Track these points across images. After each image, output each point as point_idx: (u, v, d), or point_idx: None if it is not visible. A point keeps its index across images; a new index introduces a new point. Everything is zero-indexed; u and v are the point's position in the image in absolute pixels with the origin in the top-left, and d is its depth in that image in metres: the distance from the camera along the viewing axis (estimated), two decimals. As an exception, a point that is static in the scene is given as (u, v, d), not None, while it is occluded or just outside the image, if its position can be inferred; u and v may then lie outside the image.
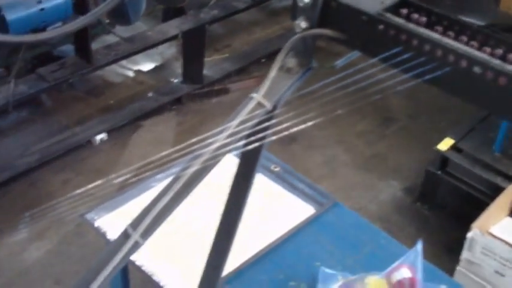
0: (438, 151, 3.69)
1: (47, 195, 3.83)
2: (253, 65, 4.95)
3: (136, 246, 1.27)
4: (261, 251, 2.14)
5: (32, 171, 3.93)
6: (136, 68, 4.83)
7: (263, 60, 5.00)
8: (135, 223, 1.27)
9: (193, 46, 4.38)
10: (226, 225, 1.55)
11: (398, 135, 4.49)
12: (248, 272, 2.06)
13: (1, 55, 3.91)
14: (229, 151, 1.30)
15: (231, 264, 2.04)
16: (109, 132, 4.23)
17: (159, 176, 2.33)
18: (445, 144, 3.72)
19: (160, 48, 4.76)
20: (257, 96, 1.33)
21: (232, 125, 1.31)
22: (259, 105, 1.32)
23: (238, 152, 1.39)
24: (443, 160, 3.71)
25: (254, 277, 2.07)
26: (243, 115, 1.32)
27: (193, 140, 1.28)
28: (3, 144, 4.08)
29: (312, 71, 1.40)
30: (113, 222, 2.17)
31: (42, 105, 4.42)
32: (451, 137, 3.73)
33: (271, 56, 5.05)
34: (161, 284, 2.03)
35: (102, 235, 2.15)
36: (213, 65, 4.73)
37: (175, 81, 4.64)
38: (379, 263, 2.02)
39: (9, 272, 3.42)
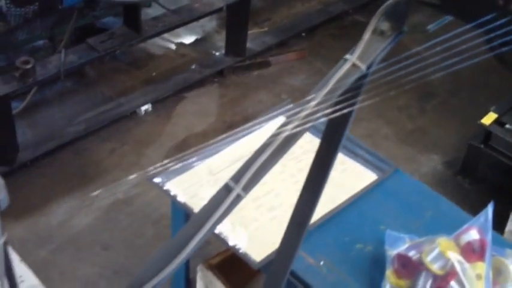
0: (482, 125, 3.72)
1: (93, 164, 3.89)
2: (293, 39, 4.97)
3: (238, 199, 1.31)
4: (326, 214, 2.18)
5: (79, 140, 3.99)
6: (178, 40, 4.86)
7: (303, 34, 5.01)
8: (237, 177, 1.31)
9: (238, 19, 4.41)
10: (310, 190, 1.59)
11: (439, 110, 4.51)
12: (315, 234, 2.10)
13: (46, 26, 3.96)
14: (325, 111, 1.33)
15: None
16: (153, 103, 4.27)
17: (225, 141, 2.37)
18: (489, 118, 3.75)
19: (201, 21, 4.78)
20: (352, 58, 1.36)
21: (329, 84, 1.34)
22: (354, 66, 1.35)
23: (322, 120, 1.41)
24: (486, 134, 3.74)
25: (321, 239, 2.12)
26: (338, 76, 1.35)
27: (290, 106, 1.31)
28: (50, 113, 4.14)
29: (403, 35, 1.42)
30: (180, 185, 2.22)
31: (86, 76, 4.47)
32: (494, 112, 3.75)
33: (310, 31, 5.08)
34: (230, 243, 2.08)
35: (172, 198, 2.19)
36: (254, 38, 4.75)
37: (218, 53, 4.67)
38: (441, 228, 2.05)
39: (59, 238, 3.48)
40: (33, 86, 3.62)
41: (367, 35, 1.39)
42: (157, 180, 2.20)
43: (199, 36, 4.97)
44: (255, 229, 2.09)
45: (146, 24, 3.96)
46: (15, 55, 3.83)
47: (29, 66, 3.40)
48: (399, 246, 2.02)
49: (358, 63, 1.37)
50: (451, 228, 2.02)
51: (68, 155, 3.89)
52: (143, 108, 4.22)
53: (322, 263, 2.05)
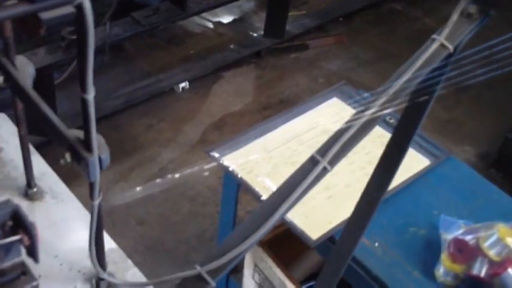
0: (518, 118, 3.72)
1: (130, 139, 3.92)
2: (331, 23, 4.96)
3: (324, 173, 1.32)
4: (381, 197, 2.18)
5: (116, 114, 4.00)
6: (215, 19, 4.87)
7: (340, 19, 5.01)
8: (323, 151, 1.32)
9: (278, 0, 4.41)
10: (384, 170, 1.60)
11: (475, 101, 4.50)
12: (370, 216, 2.10)
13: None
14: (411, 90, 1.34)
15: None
16: (190, 81, 4.29)
17: (280, 119, 2.39)
18: (526, 111, 3.75)
19: (240, 1, 4.78)
20: (440, 38, 1.36)
21: (417, 63, 1.35)
22: (442, 47, 1.35)
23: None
24: (523, 128, 3.74)
25: (376, 221, 2.10)
26: (426, 55, 1.35)
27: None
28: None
29: (489, 18, 1.42)
30: (236, 161, 2.23)
31: (124, 51, 4.48)
32: (533, 105, 3.75)
33: (348, 16, 5.07)
34: (287, 220, 2.09)
35: (230, 173, 2.21)
36: (292, 21, 4.74)
37: (255, 34, 4.67)
38: (492, 215, 2.06)
39: (94, 211, 3.50)
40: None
41: (455, 16, 1.39)
42: (214, 154, 2.22)
43: (236, 17, 4.97)
44: (312, 207, 2.10)
45: (191, 0, 3.96)
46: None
47: (74, 37, 3.41)
48: (454, 231, 2.03)
49: (446, 43, 1.37)
50: (502, 216, 2.03)
51: (105, 128, 3.91)
52: (181, 85, 4.23)
53: (376, 244, 2.06)
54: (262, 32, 4.63)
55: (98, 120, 3.45)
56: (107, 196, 3.62)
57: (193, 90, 4.29)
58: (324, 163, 1.33)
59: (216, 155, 2.20)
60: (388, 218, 2.15)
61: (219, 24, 4.87)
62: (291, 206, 1.35)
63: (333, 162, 1.34)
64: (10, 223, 0.78)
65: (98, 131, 3.61)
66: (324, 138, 2.35)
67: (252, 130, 2.34)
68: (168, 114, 4.11)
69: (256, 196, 2.14)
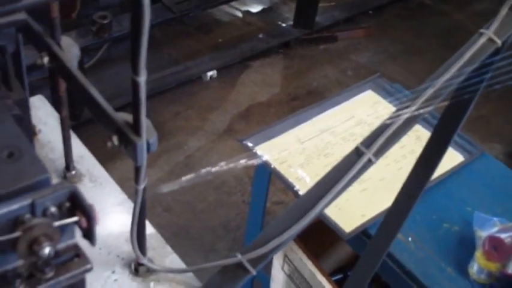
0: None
1: (157, 125, 3.87)
2: (360, 16, 4.93)
3: (369, 164, 1.30)
4: (414, 192, 2.16)
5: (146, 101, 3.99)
6: (244, 8, 4.85)
7: (370, 12, 4.97)
8: (367, 142, 1.30)
9: (309, -9, 4.40)
10: (425, 165, 1.58)
11: (504, 99, 4.45)
12: (404, 211, 2.08)
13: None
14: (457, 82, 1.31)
15: (387, 203, 2.08)
16: (218, 69, 4.27)
17: (314, 110, 2.38)
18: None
19: (269, -9, 4.78)
20: (488, 32, 1.33)
21: (464, 57, 1.32)
22: (490, 41, 1.32)
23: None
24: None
25: (409, 216, 2.10)
26: (474, 49, 1.33)
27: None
28: (116, 71, 4.15)
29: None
30: (270, 151, 2.22)
31: (152, 38, 4.44)
32: None
33: (378, 9, 5.03)
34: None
35: (264, 162, 2.19)
36: (322, 12, 4.71)
37: (284, 25, 4.65)
38: (527, 214, 2.03)
39: (121, 195, 3.51)
40: (107, 42, 3.63)
41: (504, 11, 1.36)
42: (248, 143, 2.20)
43: (265, 6, 4.95)
44: (345, 200, 2.09)
45: (221, -12, 3.95)
46: (91, 9, 3.83)
47: (105, 21, 3.41)
48: (489, 228, 2.01)
49: (495, 37, 1.34)
50: (538, 215, 2.01)
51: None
52: (209, 73, 4.22)
53: (410, 239, 2.04)
54: (291, 23, 4.61)
55: (125, 106, 3.45)
56: (132, 182, 3.62)
57: (220, 79, 4.27)
58: (368, 155, 1.32)
59: (250, 144, 2.19)
60: (422, 213, 2.13)
61: (247, 13, 4.85)
62: (334, 197, 1.33)
63: (378, 154, 1.33)
64: (67, 204, 0.77)
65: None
66: (359, 130, 2.34)
67: (285, 120, 2.32)
68: (195, 102, 4.10)
69: (289, 187, 2.12)
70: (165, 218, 3.46)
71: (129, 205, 1.48)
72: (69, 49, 1.31)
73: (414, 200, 1.63)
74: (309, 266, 2.16)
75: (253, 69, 4.38)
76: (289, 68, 4.45)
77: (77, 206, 0.78)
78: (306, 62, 4.50)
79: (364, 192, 2.13)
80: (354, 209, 2.07)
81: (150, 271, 1.35)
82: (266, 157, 2.16)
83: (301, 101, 4.09)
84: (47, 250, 0.74)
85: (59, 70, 1.22)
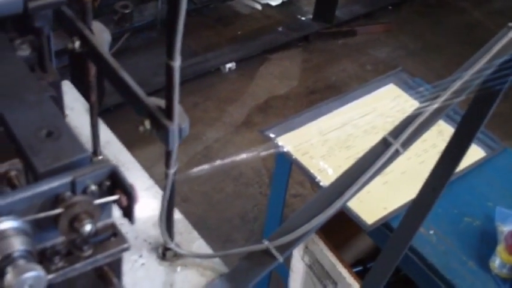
0: None
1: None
2: (380, 11, 4.93)
3: (396, 155, 1.30)
4: (436, 186, 2.16)
5: (163, 91, 4.00)
6: (264, 1, 4.85)
7: (390, 7, 4.96)
8: (395, 133, 1.30)
9: (329, -15, 4.39)
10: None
11: (523, 97, 4.43)
12: (425, 204, 2.08)
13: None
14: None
15: (409, 196, 2.08)
16: (237, 62, 4.28)
17: (336, 102, 2.38)
18: None
19: (289, -16, 4.78)
20: (517, 25, 1.33)
21: (492, 50, 1.32)
22: (518, 34, 1.32)
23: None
24: None
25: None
26: (502, 43, 1.33)
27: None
28: (136, 61, 4.16)
29: None
30: (291, 142, 2.22)
31: (172, 29, 4.47)
32: None
33: (397, 5, 5.02)
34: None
35: (285, 154, 2.20)
36: (342, 7, 4.71)
37: (304, 18, 4.65)
38: (550, 211, 2.02)
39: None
40: (128, 32, 3.64)
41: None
42: (270, 134, 2.21)
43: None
44: (367, 192, 2.08)
45: (242, -19, 3.96)
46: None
47: (127, 11, 3.42)
48: (511, 223, 2.00)
49: (522, 30, 1.34)
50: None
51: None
52: (228, 65, 4.23)
53: (431, 232, 2.04)
54: (310, 16, 4.60)
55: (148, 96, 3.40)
56: (151, 170, 3.63)
57: (239, 71, 4.28)
58: (396, 145, 1.32)
59: (271, 135, 2.19)
60: (444, 207, 2.13)
61: (267, 6, 4.85)
62: (361, 187, 1.33)
63: (405, 145, 1.33)
64: (107, 183, 0.78)
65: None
66: (380, 123, 2.34)
67: (306, 112, 2.33)
68: (213, 93, 4.11)
69: (310, 178, 2.13)
70: (183, 208, 3.45)
71: (156, 190, 1.49)
72: (101, 34, 1.32)
73: (438, 194, 1.63)
74: (329, 257, 2.16)
75: (272, 62, 4.38)
76: (308, 61, 4.45)
77: (117, 184, 0.79)
78: (324, 56, 4.50)
79: (386, 185, 2.13)
80: (375, 201, 2.07)
81: (177, 256, 1.36)
82: (287, 148, 2.16)
83: (319, 95, 4.09)
84: (87, 227, 0.75)
85: (90, 54, 1.23)
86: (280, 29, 4.48)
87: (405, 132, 1.32)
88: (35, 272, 0.69)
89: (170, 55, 0.99)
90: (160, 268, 1.35)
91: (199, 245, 1.40)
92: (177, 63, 1.00)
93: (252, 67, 4.31)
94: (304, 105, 3.96)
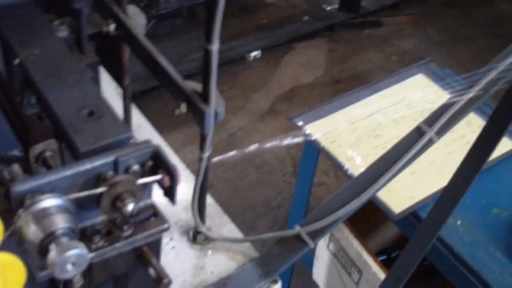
0: None
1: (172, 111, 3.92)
2: (406, 2, 4.89)
3: (430, 144, 1.30)
4: (465, 176, 2.15)
5: (188, 78, 3.96)
6: (290, -10, 4.84)
7: (417, -2, 4.94)
8: (430, 121, 1.29)
9: (356, -25, 4.37)
10: (474, 160, 1.56)
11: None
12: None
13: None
14: None
15: (436, 186, 2.07)
16: (262, 50, 4.27)
17: (364, 91, 2.37)
18: None
19: (314, -27, 4.76)
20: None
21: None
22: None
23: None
24: None
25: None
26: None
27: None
28: (161, 49, 4.13)
29: None
30: (320, 130, 2.21)
31: (196, 16, 4.48)
32: None
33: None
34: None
35: (313, 142, 2.19)
36: (368, -4, 4.69)
37: (329, 8, 4.63)
38: None
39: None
40: (154, 19, 3.65)
41: None
42: (298, 122, 2.20)
43: (310, -11, 4.94)
44: (395, 181, 2.06)
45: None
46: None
47: (154, -2, 3.43)
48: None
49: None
50: None
51: (176, 91, 3.91)
52: (252, 54, 4.22)
53: (459, 222, 2.03)
54: (336, 6, 4.58)
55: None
56: (184, 153, 3.65)
57: (264, 59, 4.27)
58: (430, 134, 1.31)
59: (300, 123, 2.19)
60: (472, 197, 2.11)
61: (292, -5, 4.84)
62: (394, 175, 1.33)
63: (440, 133, 1.33)
64: (150, 163, 0.78)
65: (169, 94, 3.58)
66: (409, 113, 2.32)
67: (335, 100, 2.32)
68: (238, 81, 4.10)
69: (338, 166, 2.12)
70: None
71: (187, 174, 1.50)
72: (136, 18, 1.32)
73: (468, 184, 1.61)
74: (355, 246, 2.16)
75: (297, 51, 4.37)
76: (334, 51, 4.43)
77: (159, 165, 0.79)
78: (350, 45, 4.48)
79: (414, 175, 2.12)
80: (403, 190, 2.06)
81: (207, 239, 1.37)
82: (316, 136, 2.16)
83: (344, 85, 4.07)
84: (130, 207, 0.76)
85: (125, 37, 1.23)
86: (305, 18, 4.47)
87: (440, 121, 1.31)
88: (78, 250, 0.69)
89: (209, 39, 0.99)
90: (191, 251, 1.36)
91: (229, 229, 1.40)
92: (215, 46, 1.01)
93: (277, 56, 4.30)
94: (329, 94, 3.95)
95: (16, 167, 0.85)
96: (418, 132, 1.31)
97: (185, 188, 1.39)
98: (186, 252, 1.34)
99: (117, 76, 1.53)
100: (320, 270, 2.43)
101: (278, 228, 3.22)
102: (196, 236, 1.36)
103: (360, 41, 4.54)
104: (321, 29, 4.48)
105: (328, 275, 2.39)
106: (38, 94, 0.95)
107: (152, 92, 3.87)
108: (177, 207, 1.43)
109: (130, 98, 1.48)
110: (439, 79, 2.46)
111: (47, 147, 0.98)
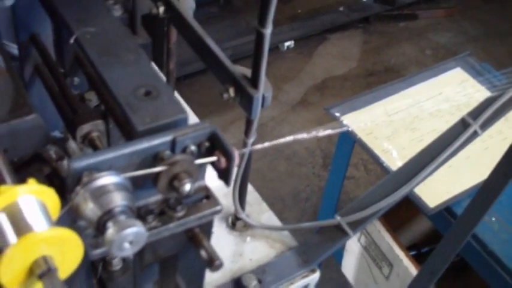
0: None
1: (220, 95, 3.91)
2: (443, -4, 4.86)
3: (474, 136, 1.28)
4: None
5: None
6: (325, -19, 4.81)
7: (453, -7, 4.89)
8: (475, 114, 1.28)
9: (393, -34, 4.34)
10: None
11: None
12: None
13: None
14: None
15: (472, 181, 2.06)
16: (296, 40, 4.25)
17: (402, 84, 2.35)
18: None
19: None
20: None
21: None
22: None
23: None
24: None
25: (495, 197, 2.06)
26: None
27: None
28: (180, 39, 4.15)
29: None
30: (356, 121, 2.20)
31: (231, 4, 4.47)
32: None
33: (461, -10, 4.94)
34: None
35: (350, 133, 2.19)
36: (404, -11, 4.65)
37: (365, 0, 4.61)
38: None
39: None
40: (190, 6, 3.63)
41: None
42: (335, 113, 2.19)
43: (346, -20, 4.90)
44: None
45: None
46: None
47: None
48: None
49: None
50: None
51: (209, 79, 3.91)
52: (286, 43, 4.21)
53: (493, 219, 2.01)
54: (372, -2, 4.56)
55: (203, 71, 3.44)
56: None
57: (297, 49, 4.26)
58: (475, 126, 1.30)
59: (336, 113, 2.18)
60: (508, 194, 2.07)
61: (328, -14, 4.81)
62: (437, 167, 1.32)
63: (484, 126, 1.31)
64: (206, 144, 0.78)
65: (202, 81, 3.62)
66: (446, 107, 2.30)
67: (371, 92, 2.31)
68: (270, 71, 4.09)
69: (374, 158, 2.11)
70: (236, 184, 3.47)
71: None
72: (185, 0, 1.32)
73: (506, 182, 1.60)
74: (387, 239, 2.15)
75: (331, 42, 4.35)
76: (368, 43, 4.41)
77: (216, 146, 0.79)
78: (384, 38, 4.45)
79: (449, 169, 2.10)
80: (438, 185, 2.05)
81: (246, 226, 1.36)
82: (352, 127, 2.15)
83: (377, 77, 4.05)
84: (187, 187, 0.75)
85: (174, 20, 1.23)
86: (341, 9, 4.44)
87: (485, 114, 1.30)
88: (136, 228, 0.69)
89: (262, 22, 0.98)
90: (230, 237, 1.36)
91: (268, 216, 1.40)
92: (268, 30, 1.00)
93: (310, 46, 4.28)
94: (362, 86, 3.93)
95: (72, 144, 0.85)
96: (462, 125, 1.29)
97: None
98: (225, 239, 1.34)
99: (157, 60, 1.54)
100: (349, 263, 2.42)
101: (306, 220, 3.22)
102: (235, 223, 1.36)
103: (395, 33, 4.51)
104: (356, 21, 4.46)
105: (358, 268, 2.38)
106: (91, 73, 0.96)
107: (185, 80, 3.87)
108: (216, 192, 1.43)
109: (174, 82, 1.48)
110: (477, 74, 2.44)
111: (94, 127, 0.99)
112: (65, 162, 0.79)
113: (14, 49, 1.29)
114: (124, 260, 1.29)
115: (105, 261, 1.28)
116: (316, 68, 4.17)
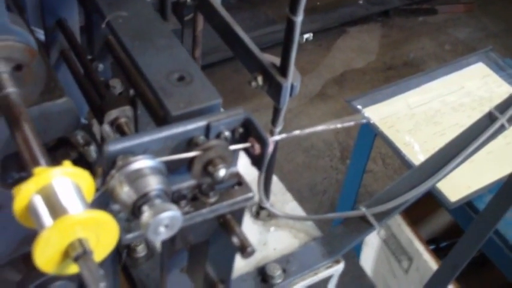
0: None
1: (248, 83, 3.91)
2: (463, -9, 4.82)
3: (501, 130, 1.27)
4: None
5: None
6: (345, -27, 4.79)
7: (473, -13, 4.85)
8: (502, 107, 1.27)
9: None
10: None
11: None
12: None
13: None
14: None
15: (493, 176, 2.05)
16: (315, 32, 4.24)
17: (423, 77, 2.34)
18: None
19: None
20: None
21: None
22: None
23: None
24: None
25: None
26: None
27: None
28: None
29: None
30: (378, 114, 2.19)
31: (250, -4, 4.47)
32: None
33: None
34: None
35: (372, 125, 2.18)
36: (424, -17, 4.63)
37: (385, -7, 4.59)
38: None
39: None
40: None
41: None
42: (357, 105, 2.19)
43: (366, -27, 4.88)
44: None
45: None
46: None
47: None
48: None
49: None
50: None
51: (227, 70, 3.92)
52: (305, 36, 4.20)
53: (515, 215, 2.00)
54: (392, -9, 4.54)
55: (221, 62, 3.44)
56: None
57: (316, 42, 4.24)
58: (502, 120, 1.29)
59: (358, 106, 2.17)
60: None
61: (348, -22, 4.79)
62: (463, 160, 1.31)
63: (511, 121, 1.30)
64: (240, 130, 0.78)
65: (221, 71, 3.60)
66: (468, 101, 2.29)
67: (393, 86, 2.29)
68: (289, 63, 4.07)
69: (395, 151, 2.10)
70: (253, 176, 3.47)
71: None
72: (212, -12, 1.31)
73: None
74: (406, 233, 2.14)
75: (350, 35, 4.34)
76: (387, 37, 4.39)
77: (250, 132, 0.79)
78: (404, 32, 4.43)
79: (471, 164, 2.07)
80: (460, 179, 2.04)
81: (270, 216, 1.36)
82: (374, 119, 2.14)
83: (396, 71, 4.03)
84: (222, 172, 0.75)
85: (202, 7, 1.23)
86: (360, 2, 4.42)
87: (512, 108, 1.29)
88: (172, 212, 0.69)
89: (293, 10, 0.98)
90: (254, 227, 1.35)
91: (292, 206, 1.40)
92: (299, 18, 1.00)
93: (329, 39, 4.27)
94: (381, 80, 3.91)
95: (107, 127, 0.85)
96: (489, 118, 1.28)
97: (247, 163, 1.38)
98: (249, 228, 1.34)
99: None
100: (368, 257, 2.42)
101: (323, 213, 3.21)
102: (259, 212, 1.36)
103: (414, 28, 4.48)
104: (375, 14, 4.44)
105: (377, 262, 2.38)
106: (122, 58, 0.96)
107: (203, 70, 3.86)
108: (240, 181, 1.43)
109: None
110: (499, 69, 2.42)
111: (122, 113, 0.98)
112: (102, 145, 0.78)
113: (40, 34, 1.29)
114: (148, 246, 1.30)
115: (130, 248, 1.29)
116: (335, 60, 4.15)
